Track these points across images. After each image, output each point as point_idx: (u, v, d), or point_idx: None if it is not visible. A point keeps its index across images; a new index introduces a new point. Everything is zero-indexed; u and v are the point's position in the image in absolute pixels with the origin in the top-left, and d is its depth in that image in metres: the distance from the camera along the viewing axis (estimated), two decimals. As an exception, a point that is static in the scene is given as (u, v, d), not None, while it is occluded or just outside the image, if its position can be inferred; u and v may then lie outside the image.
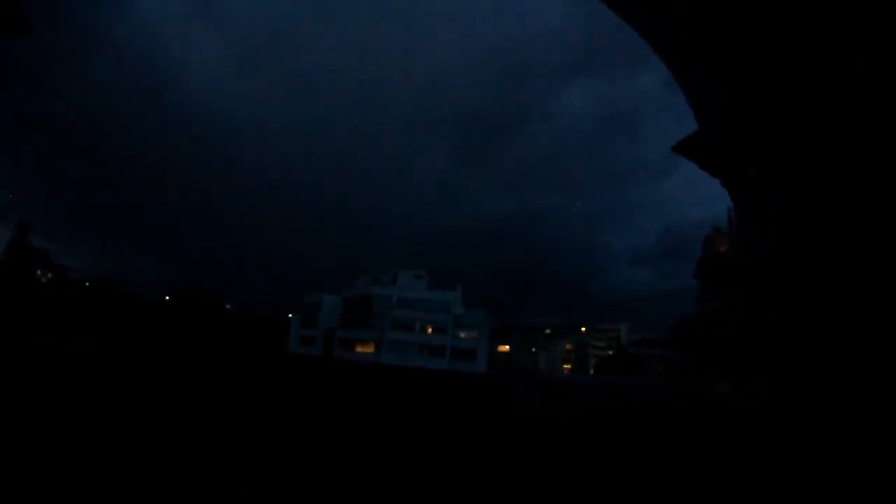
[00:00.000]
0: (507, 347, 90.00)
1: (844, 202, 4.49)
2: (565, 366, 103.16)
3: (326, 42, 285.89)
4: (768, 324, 5.33)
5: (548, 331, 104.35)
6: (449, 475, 7.74)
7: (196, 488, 5.91)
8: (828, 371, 4.51)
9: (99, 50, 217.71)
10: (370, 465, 7.76)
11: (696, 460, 10.41)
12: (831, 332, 4.52)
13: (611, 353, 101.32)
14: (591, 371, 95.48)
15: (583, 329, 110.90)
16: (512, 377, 51.47)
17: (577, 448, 11.46)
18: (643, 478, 8.70)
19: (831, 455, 4.38)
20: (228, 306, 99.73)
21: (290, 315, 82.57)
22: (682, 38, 5.69)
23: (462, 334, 70.41)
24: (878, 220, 4.28)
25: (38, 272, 77.06)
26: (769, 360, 5.31)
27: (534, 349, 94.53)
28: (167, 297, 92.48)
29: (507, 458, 9.24)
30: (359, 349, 70.48)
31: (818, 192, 4.73)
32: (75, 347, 28.74)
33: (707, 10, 5.15)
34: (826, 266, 4.65)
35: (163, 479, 6.04)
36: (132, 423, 9.39)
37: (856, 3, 4.27)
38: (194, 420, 10.52)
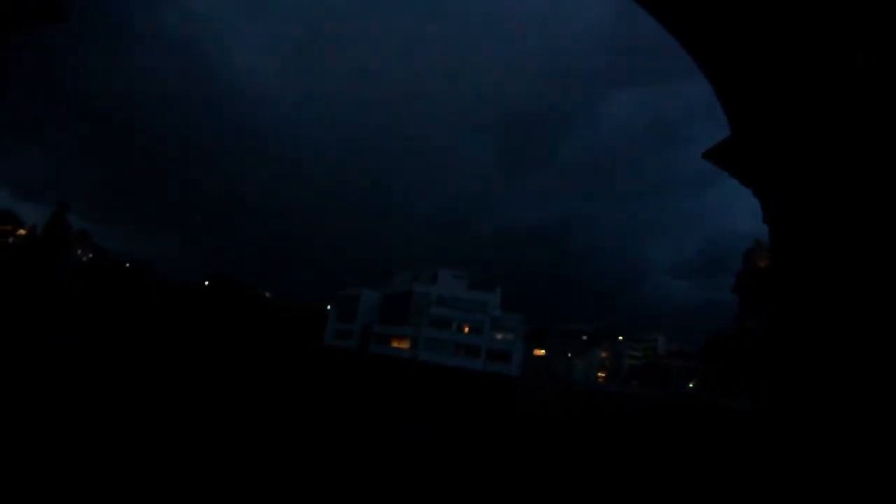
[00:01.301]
0: (543, 351, 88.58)
1: (865, 209, 4.58)
2: (600, 374, 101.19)
3: (375, 41, 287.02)
4: (771, 326, 5.52)
5: (584, 337, 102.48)
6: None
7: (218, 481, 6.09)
8: (825, 373, 4.60)
9: (147, 38, 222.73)
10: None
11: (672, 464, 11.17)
12: (828, 334, 4.66)
13: (641, 363, 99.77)
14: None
15: (619, 337, 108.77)
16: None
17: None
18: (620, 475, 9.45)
19: (823, 459, 4.43)
20: (267, 294, 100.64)
21: (328, 307, 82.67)
22: (716, 42, 5.72)
23: (498, 336, 69.80)
24: (879, 223, 4.40)
25: (79, 251, 78.68)
26: (770, 361, 5.44)
27: (569, 355, 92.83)
28: (206, 283, 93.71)
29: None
30: (395, 344, 70.42)
31: (845, 201, 4.77)
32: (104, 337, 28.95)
33: (738, 16, 5.25)
34: (830, 269, 4.76)
35: (168, 474, 6.16)
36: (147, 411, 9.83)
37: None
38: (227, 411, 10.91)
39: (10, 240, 68.91)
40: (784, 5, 4.86)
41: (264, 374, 23.73)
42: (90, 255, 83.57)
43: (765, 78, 5.39)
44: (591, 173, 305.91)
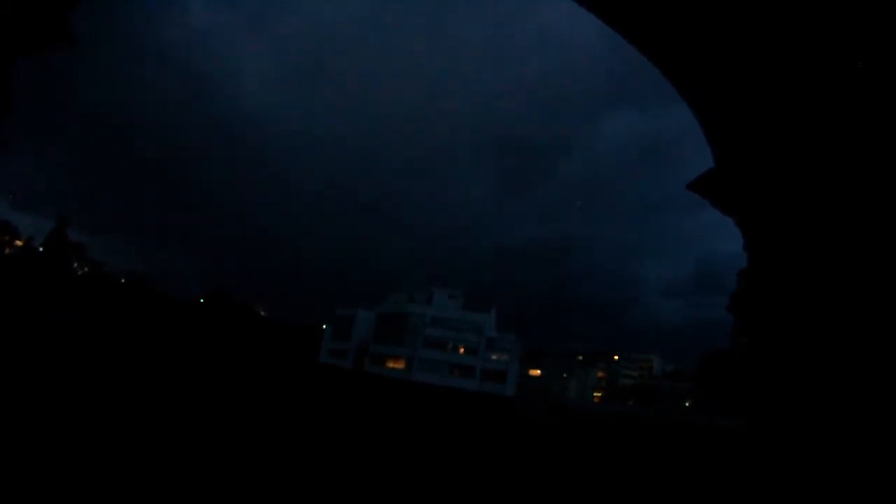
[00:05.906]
0: (538, 372, 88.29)
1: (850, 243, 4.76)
2: (596, 394, 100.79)
3: (376, 63, 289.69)
4: (752, 350, 5.79)
5: (580, 357, 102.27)
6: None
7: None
8: (803, 392, 4.83)
9: (147, 54, 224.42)
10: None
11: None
12: (806, 356, 4.87)
13: (630, 382, 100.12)
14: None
15: (615, 357, 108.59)
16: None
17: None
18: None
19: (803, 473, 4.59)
20: (262, 312, 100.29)
21: (323, 326, 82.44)
22: (700, 77, 5.86)
23: (493, 356, 69.61)
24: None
25: (75, 265, 78.30)
26: (752, 384, 5.75)
27: (565, 375, 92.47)
28: (201, 300, 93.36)
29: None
30: (390, 364, 70.15)
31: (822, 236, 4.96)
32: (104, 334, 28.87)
33: (721, 52, 5.38)
34: (808, 296, 4.97)
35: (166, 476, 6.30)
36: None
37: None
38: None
39: (7, 250, 68.53)
40: (768, 44, 5.02)
41: (250, 387, 23.64)
42: (85, 269, 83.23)
43: (749, 113, 5.55)
44: (588, 193, 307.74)
